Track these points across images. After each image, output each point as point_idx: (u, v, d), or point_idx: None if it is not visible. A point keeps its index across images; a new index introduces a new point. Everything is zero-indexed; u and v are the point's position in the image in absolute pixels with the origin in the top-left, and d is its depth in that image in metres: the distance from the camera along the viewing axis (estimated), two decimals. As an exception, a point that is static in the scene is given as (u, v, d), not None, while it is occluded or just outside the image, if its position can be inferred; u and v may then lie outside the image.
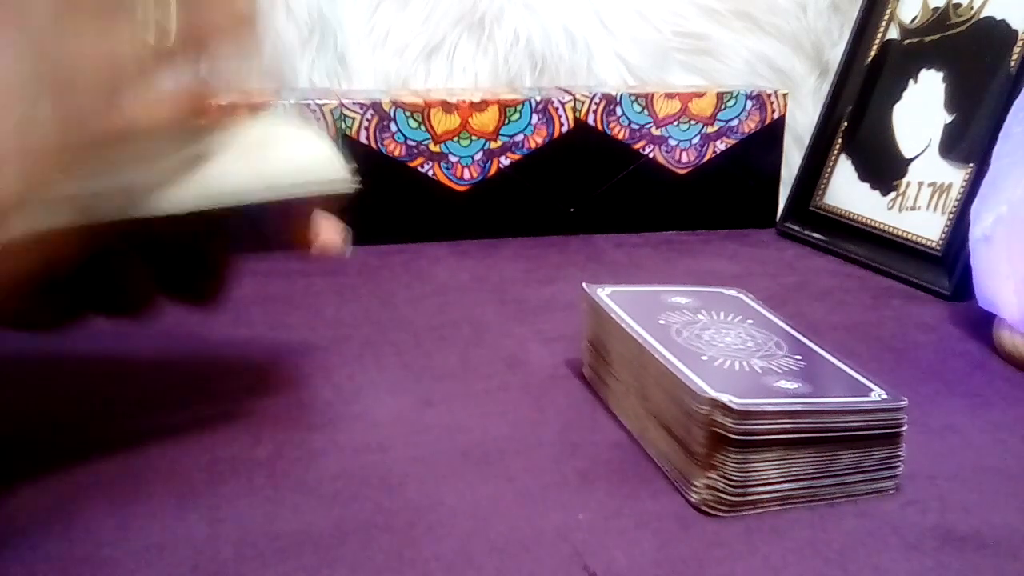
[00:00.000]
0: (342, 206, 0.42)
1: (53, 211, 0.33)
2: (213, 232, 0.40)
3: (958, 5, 0.72)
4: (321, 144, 0.40)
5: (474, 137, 0.74)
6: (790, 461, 0.38)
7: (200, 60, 0.36)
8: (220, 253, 0.42)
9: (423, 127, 0.73)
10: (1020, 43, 0.67)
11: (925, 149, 0.71)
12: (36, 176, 0.32)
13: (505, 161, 0.75)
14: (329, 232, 0.44)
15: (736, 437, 0.37)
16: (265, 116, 0.39)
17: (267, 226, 0.42)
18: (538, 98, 0.75)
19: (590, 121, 0.76)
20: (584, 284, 0.50)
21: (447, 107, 0.73)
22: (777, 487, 0.38)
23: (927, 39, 0.74)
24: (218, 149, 0.37)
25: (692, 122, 0.78)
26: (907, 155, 0.73)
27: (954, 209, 0.67)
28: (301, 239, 0.43)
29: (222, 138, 0.37)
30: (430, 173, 0.74)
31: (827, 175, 0.79)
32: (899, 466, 0.40)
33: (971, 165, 0.67)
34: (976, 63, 0.69)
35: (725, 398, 0.37)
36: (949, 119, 0.70)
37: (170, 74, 0.35)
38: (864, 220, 0.74)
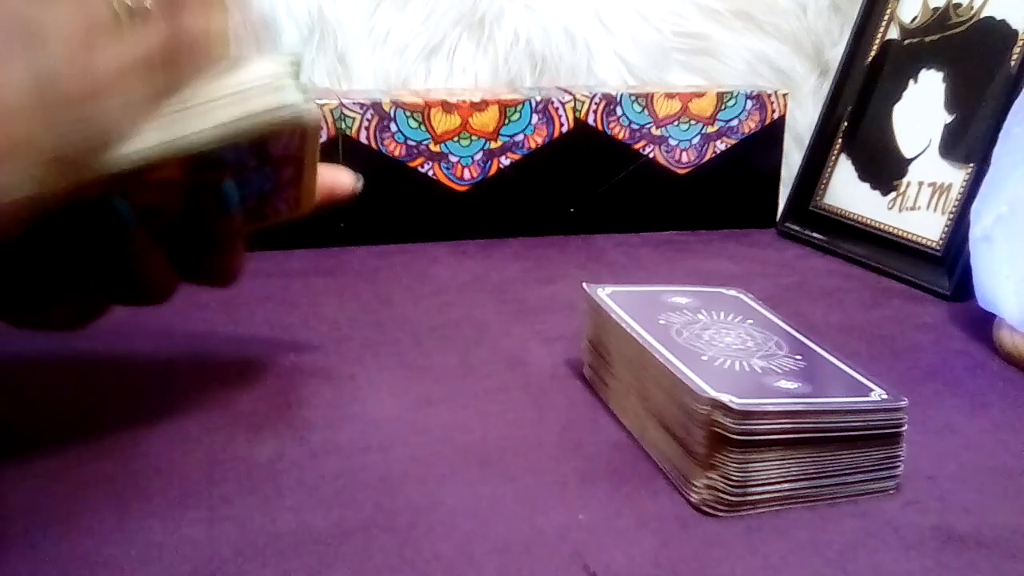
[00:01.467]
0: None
1: (32, 174, 0.33)
2: (207, 193, 0.40)
3: (958, 5, 0.72)
4: (280, 77, 0.39)
5: (474, 137, 0.74)
6: (790, 461, 0.38)
7: (175, 17, 0.36)
8: (226, 227, 0.41)
9: (423, 127, 0.73)
10: (1020, 43, 0.67)
11: (925, 149, 0.71)
12: (12, 136, 0.32)
13: (505, 161, 0.75)
14: (336, 174, 0.44)
15: (736, 437, 0.37)
16: (237, 64, 0.39)
17: (257, 179, 0.42)
18: (538, 98, 0.75)
19: (590, 121, 0.76)
20: (584, 284, 0.50)
21: (447, 107, 0.73)
22: (777, 487, 0.38)
23: (927, 39, 0.74)
24: (190, 99, 0.37)
25: (692, 122, 0.78)
26: (907, 155, 0.73)
27: (954, 209, 0.67)
28: (304, 193, 0.42)
29: (195, 89, 0.37)
30: (430, 173, 0.74)
31: (827, 175, 0.79)
32: (899, 466, 0.40)
33: (971, 165, 0.67)
34: (976, 63, 0.69)
35: (725, 398, 0.37)
36: (949, 119, 0.70)
37: (145, 31, 0.35)
38: (864, 220, 0.74)
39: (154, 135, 0.36)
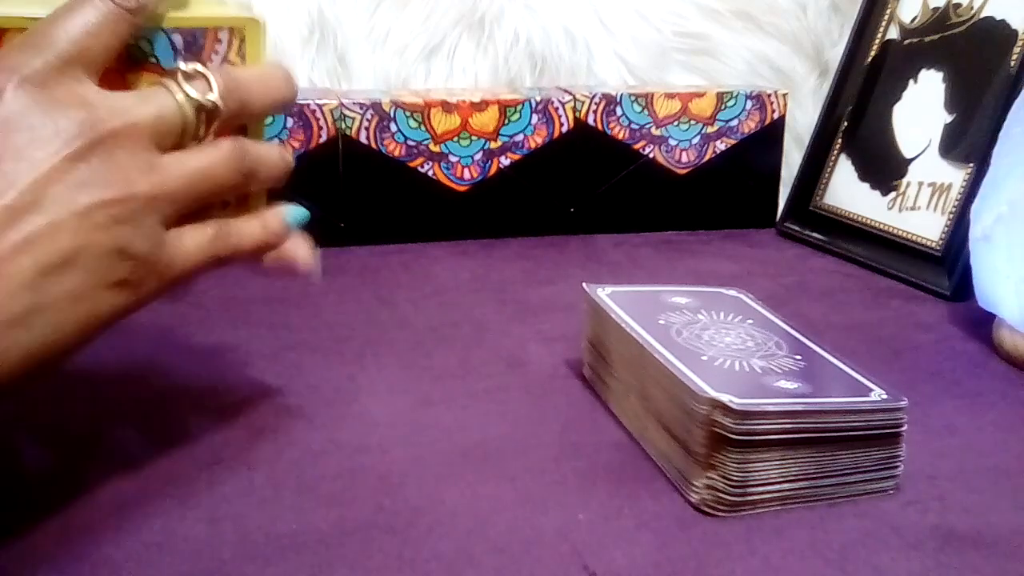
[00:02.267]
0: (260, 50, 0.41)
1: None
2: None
3: (958, 5, 0.72)
4: None
5: (474, 137, 0.74)
6: (790, 461, 0.38)
7: (244, 109, 0.37)
8: None
9: (423, 127, 0.73)
10: (1020, 43, 0.67)
11: (925, 149, 0.71)
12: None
13: (505, 161, 0.75)
14: (297, 246, 0.41)
15: (736, 437, 0.37)
16: None
17: None
18: (538, 98, 0.75)
19: (590, 121, 0.76)
20: (584, 284, 0.50)
21: (447, 107, 0.73)
22: (777, 487, 0.38)
23: (927, 39, 0.74)
24: None
25: (692, 122, 0.78)
26: (907, 155, 0.73)
27: (954, 209, 0.67)
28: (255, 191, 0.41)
29: None
30: (430, 173, 0.74)
31: (827, 175, 0.79)
32: (899, 466, 0.40)
33: (971, 165, 0.67)
34: (976, 63, 0.69)
35: (725, 398, 0.37)
36: (949, 119, 0.70)
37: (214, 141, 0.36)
38: (864, 220, 0.74)
39: None
